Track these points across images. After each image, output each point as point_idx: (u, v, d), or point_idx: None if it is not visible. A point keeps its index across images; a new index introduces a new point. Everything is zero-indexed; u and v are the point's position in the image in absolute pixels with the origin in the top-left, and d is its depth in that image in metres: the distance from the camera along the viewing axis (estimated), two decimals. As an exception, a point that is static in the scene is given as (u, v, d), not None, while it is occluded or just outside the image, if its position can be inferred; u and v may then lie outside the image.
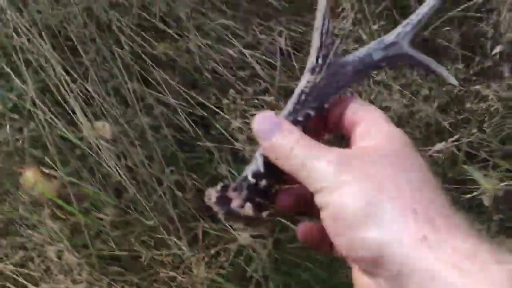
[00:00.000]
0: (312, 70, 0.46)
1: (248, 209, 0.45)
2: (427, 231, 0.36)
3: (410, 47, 0.47)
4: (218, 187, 0.47)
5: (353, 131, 0.45)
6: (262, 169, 0.46)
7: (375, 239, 0.36)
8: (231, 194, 0.47)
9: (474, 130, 0.88)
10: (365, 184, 0.38)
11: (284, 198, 0.48)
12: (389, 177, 0.39)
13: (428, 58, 0.48)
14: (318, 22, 0.46)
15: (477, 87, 0.86)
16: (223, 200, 0.46)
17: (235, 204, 0.46)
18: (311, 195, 0.42)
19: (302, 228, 0.48)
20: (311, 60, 0.47)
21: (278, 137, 0.43)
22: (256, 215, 0.46)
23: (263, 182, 0.46)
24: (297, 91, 0.47)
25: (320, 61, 0.46)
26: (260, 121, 0.45)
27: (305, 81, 0.47)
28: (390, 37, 0.47)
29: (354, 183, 0.39)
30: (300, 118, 0.46)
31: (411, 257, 0.35)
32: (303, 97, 0.46)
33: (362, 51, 0.48)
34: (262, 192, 0.47)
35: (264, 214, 0.46)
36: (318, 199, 0.41)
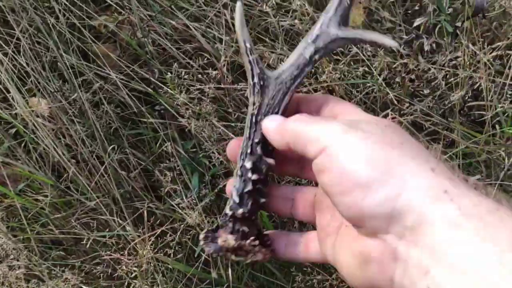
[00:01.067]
0: (253, 92, 0.48)
1: (231, 240, 0.48)
2: (448, 186, 0.37)
3: (339, 29, 0.47)
4: (205, 229, 0.51)
5: None
6: (237, 200, 0.49)
7: (393, 193, 0.37)
8: (219, 233, 0.50)
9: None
10: (378, 144, 0.39)
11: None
12: (401, 142, 0.40)
13: (359, 31, 0.48)
14: (242, 48, 0.48)
15: (405, 61, 0.85)
16: (211, 239, 0.50)
17: (220, 240, 0.49)
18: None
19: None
20: (249, 83, 0.49)
21: (282, 121, 0.46)
22: (239, 244, 0.49)
23: (240, 211, 0.49)
24: (248, 117, 0.49)
25: (256, 80, 0.48)
26: (268, 120, 0.48)
27: (251, 105, 0.49)
28: (314, 31, 0.48)
29: (367, 141, 0.39)
30: (256, 140, 0.49)
31: (433, 208, 0.36)
32: (253, 119, 0.49)
33: (293, 55, 0.49)
34: (244, 220, 0.49)
35: (248, 241, 0.49)
36: (320, 160, 0.41)
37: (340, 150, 0.39)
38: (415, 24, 0.85)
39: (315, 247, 0.50)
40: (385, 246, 0.38)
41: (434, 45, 0.82)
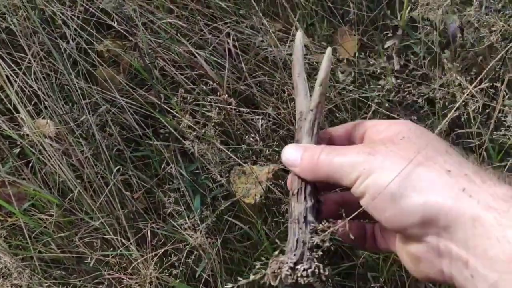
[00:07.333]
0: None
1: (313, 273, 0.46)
2: (465, 184, 0.41)
3: None
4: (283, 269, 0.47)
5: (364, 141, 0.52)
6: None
7: (420, 202, 0.42)
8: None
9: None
10: (396, 160, 0.44)
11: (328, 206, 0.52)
12: (417, 150, 0.44)
13: None
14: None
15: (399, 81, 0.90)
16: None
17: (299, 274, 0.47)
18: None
19: (356, 227, 0.53)
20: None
21: (305, 154, 0.49)
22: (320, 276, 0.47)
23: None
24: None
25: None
26: (287, 152, 0.51)
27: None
28: None
29: (386, 163, 0.44)
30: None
31: (456, 207, 0.40)
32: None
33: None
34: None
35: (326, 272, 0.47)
36: (356, 189, 0.46)
37: (370, 177, 0.45)
38: (386, 45, 0.91)
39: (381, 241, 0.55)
40: (429, 246, 0.43)
41: (402, 63, 0.88)
